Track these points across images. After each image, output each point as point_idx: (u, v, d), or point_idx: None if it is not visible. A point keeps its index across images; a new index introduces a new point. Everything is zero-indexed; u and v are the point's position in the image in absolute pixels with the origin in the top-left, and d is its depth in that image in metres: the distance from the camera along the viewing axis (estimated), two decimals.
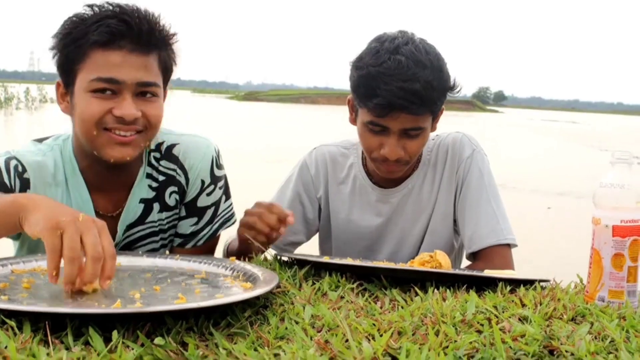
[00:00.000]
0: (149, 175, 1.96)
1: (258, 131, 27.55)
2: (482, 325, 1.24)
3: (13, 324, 1.11)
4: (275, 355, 1.06)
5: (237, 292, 1.39)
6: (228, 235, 2.17)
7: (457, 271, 1.78)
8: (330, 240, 2.36)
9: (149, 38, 1.75)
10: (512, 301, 1.43)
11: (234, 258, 1.68)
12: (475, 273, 1.72)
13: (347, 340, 1.11)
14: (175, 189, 1.98)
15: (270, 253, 1.95)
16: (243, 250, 1.93)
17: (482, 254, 2.13)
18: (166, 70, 1.83)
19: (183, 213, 2.02)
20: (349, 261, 1.75)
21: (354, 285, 1.53)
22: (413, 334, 1.18)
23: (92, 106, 1.72)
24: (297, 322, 1.24)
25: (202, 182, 1.99)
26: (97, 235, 1.31)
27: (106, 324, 1.14)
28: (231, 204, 2.09)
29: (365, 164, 2.28)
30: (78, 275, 1.30)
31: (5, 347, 1.01)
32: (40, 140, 1.93)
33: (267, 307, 1.34)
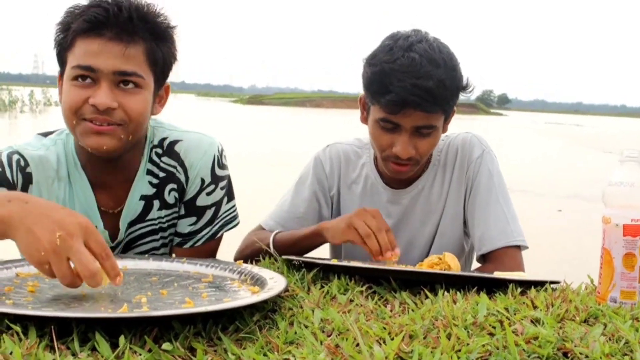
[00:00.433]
0: (149, 172, 1.94)
1: (263, 135, 27.55)
2: (494, 327, 1.22)
3: (18, 329, 1.10)
4: None
5: (245, 296, 1.38)
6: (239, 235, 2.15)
7: (467, 273, 1.76)
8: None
9: (131, 27, 1.73)
10: (524, 303, 1.42)
11: (241, 262, 1.67)
12: (484, 275, 1.71)
13: (357, 345, 1.09)
14: (175, 186, 1.95)
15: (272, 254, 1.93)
16: (309, 246, 2.04)
17: (492, 255, 2.11)
18: (156, 62, 1.79)
19: (182, 212, 1.99)
20: (357, 263, 1.74)
21: (363, 288, 1.52)
22: (424, 338, 1.16)
23: (71, 95, 1.73)
24: (306, 326, 1.22)
25: (202, 180, 1.96)
26: (81, 250, 1.25)
27: (113, 328, 1.13)
28: (234, 205, 2.05)
29: (377, 163, 2.26)
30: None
31: (11, 353, 1.00)
32: (44, 135, 1.94)
33: (276, 311, 1.32)
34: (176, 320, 1.17)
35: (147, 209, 1.94)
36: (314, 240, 2.06)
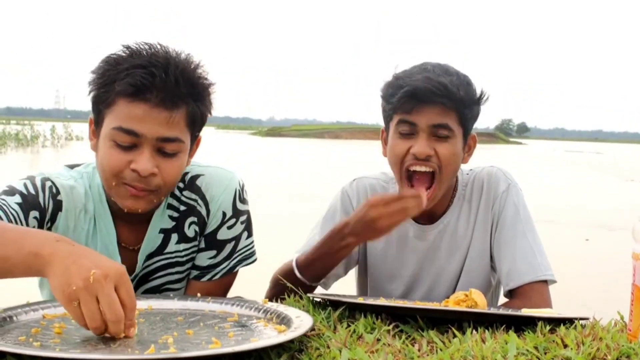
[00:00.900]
0: (170, 206, 1.94)
1: (282, 167, 27.62)
2: None
3: None
4: None
5: (272, 335, 1.37)
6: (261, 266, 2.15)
7: (494, 311, 1.74)
8: (365, 275, 2.34)
9: (176, 92, 1.71)
10: (553, 341, 1.39)
11: (266, 300, 1.66)
12: (513, 312, 1.69)
13: None
14: (195, 219, 1.95)
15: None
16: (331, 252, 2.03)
17: (519, 291, 2.09)
18: (195, 123, 1.79)
19: (202, 245, 1.99)
20: (383, 302, 1.72)
21: (390, 327, 1.50)
22: None
23: (112, 158, 1.73)
24: None
25: (224, 214, 1.96)
26: (111, 293, 1.27)
27: None
28: (252, 242, 2.05)
29: None
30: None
31: None
32: (71, 167, 1.95)
33: (303, 351, 1.31)
34: None
35: (165, 242, 1.95)
36: (335, 242, 2.03)
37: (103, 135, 1.75)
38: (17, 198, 1.75)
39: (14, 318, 1.46)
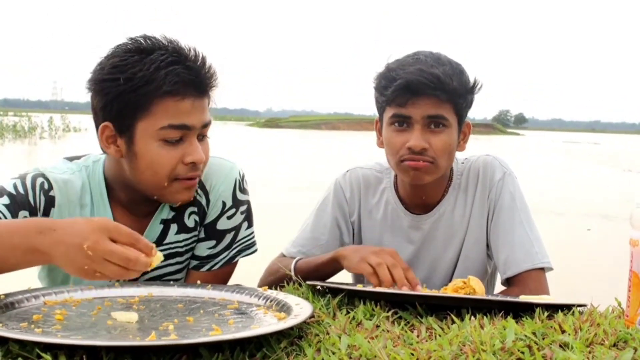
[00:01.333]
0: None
1: (280, 158, 27.60)
2: (522, 353, 1.22)
3: (49, 358, 1.10)
4: None
5: (272, 323, 1.38)
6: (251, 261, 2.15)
7: (493, 297, 1.75)
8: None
9: (207, 83, 1.78)
10: (551, 327, 1.40)
11: (266, 287, 1.67)
12: (511, 299, 1.70)
13: None
14: (195, 209, 1.96)
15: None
16: (329, 273, 2.04)
17: (517, 278, 2.10)
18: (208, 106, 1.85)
19: (202, 235, 1.99)
20: (382, 289, 1.73)
21: (389, 314, 1.51)
22: None
23: (165, 157, 1.74)
24: (333, 353, 1.22)
25: (224, 204, 1.96)
26: (112, 248, 1.38)
27: (141, 356, 1.13)
28: (253, 232, 2.05)
29: (398, 188, 2.26)
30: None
31: None
32: (71, 159, 1.94)
33: (302, 338, 1.32)
34: (204, 347, 1.17)
35: (164, 232, 1.95)
36: (333, 266, 2.04)
37: (144, 138, 1.73)
38: (5, 199, 1.75)
39: (16, 305, 1.47)
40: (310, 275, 2.00)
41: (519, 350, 1.22)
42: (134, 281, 1.71)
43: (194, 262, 2.01)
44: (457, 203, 2.23)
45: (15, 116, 56.11)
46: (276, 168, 21.00)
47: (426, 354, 1.20)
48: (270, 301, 1.56)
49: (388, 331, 1.38)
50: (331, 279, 2.05)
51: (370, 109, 2.17)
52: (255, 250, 2.05)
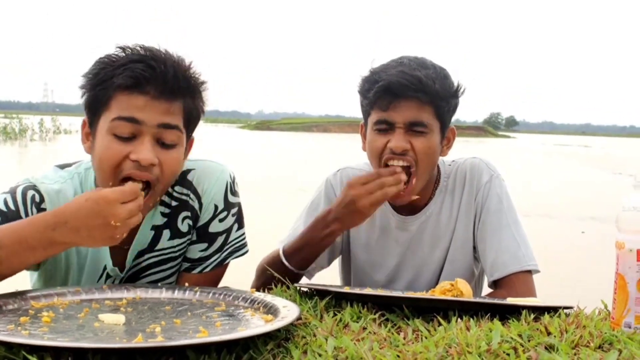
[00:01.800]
0: (161, 202, 1.94)
1: (271, 160, 27.58)
2: (508, 354, 1.22)
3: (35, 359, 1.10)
4: None
5: (259, 325, 1.38)
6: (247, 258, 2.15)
7: (479, 299, 1.76)
8: (349, 266, 2.35)
9: (174, 85, 1.74)
10: (537, 329, 1.41)
11: (253, 290, 1.67)
12: (498, 301, 1.70)
13: None
14: (188, 214, 1.96)
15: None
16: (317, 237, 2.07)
17: (504, 281, 2.11)
18: (190, 118, 1.82)
19: (194, 237, 1.99)
20: (369, 291, 1.74)
21: (376, 316, 1.51)
22: None
23: (110, 150, 1.72)
24: (320, 355, 1.22)
25: (216, 207, 1.96)
26: (120, 211, 1.56)
27: (128, 358, 1.13)
28: (244, 234, 2.05)
29: None
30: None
31: None
32: (62, 167, 1.93)
33: (289, 340, 1.33)
34: (191, 349, 1.18)
35: (156, 238, 1.94)
36: (320, 230, 2.06)
37: (100, 132, 1.75)
38: None
39: (3, 307, 1.47)
40: (303, 250, 2.08)
41: (504, 352, 1.23)
42: (121, 284, 1.71)
43: (186, 265, 2.01)
44: (444, 205, 2.23)
45: (6, 118, 55.89)
46: (267, 170, 20.98)
47: (412, 356, 1.20)
48: (258, 303, 1.56)
49: (375, 333, 1.38)
50: (319, 282, 2.06)
51: (361, 111, 2.18)
52: (247, 252, 2.05)
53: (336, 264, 2.44)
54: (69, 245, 1.61)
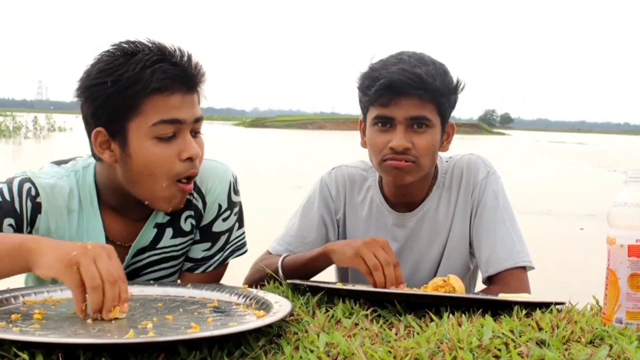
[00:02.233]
0: None
1: (266, 157, 27.56)
2: (499, 350, 1.23)
3: (26, 357, 1.10)
4: None
5: (251, 321, 1.38)
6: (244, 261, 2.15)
7: (471, 295, 1.76)
8: None
9: (194, 78, 1.77)
10: (529, 325, 1.41)
11: (246, 286, 1.67)
12: (490, 297, 1.71)
13: None
14: (192, 213, 1.95)
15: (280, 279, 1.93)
16: (318, 268, 2.03)
17: (499, 277, 2.11)
18: (199, 104, 1.85)
19: (197, 237, 1.99)
20: (362, 287, 1.74)
21: (368, 312, 1.52)
22: None
23: (159, 154, 1.73)
24: (311, 351, 1.23)
25: (219, 206, 1.96)
26: (109, 259, 1.41)
27: (119, 354, 1.13)
28: (244, 233, 2.05)
29: (382, 186, 2.27)
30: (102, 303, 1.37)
31: None
32: (58, 163, 1.92)
33: (281, 336, 1.33)
34: (182, 345, 1.18)
35: (158, 236, 1.94)
36: (322, 262, 2.04)
37: (136, 138, 1.72)
38: None
39: None
40: (300, 272, 2.01)
41: (495, 348, 1.23)
42: None
43: (188, 265, 2.01)
44: (441, 201, 2.24)
45: (0, 116, 55.81)
46: (262, 167, 20.97)
47: (404, 352, 1.20)
48: (250, 299, 1.56)
49: (366, 329, 1.39)
50: (312, 278, 2.06)
51: (356, 108, 2.18)
52: (246, 251, 2.06)
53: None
54: (30, 252, 1.47)
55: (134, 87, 1.68)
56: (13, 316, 1.38)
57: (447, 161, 2.27)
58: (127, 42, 1.76)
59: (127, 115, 1.71)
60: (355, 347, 1.20)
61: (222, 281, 1.83)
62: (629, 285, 1.42)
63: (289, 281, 1.82)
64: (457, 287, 1.77)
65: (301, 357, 1.19)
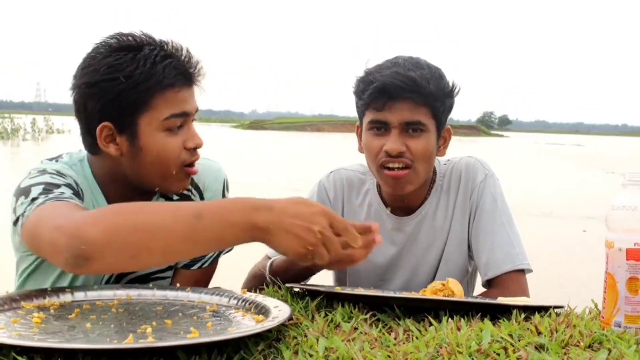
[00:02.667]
0: (163, 196, 1.96)
1: (265, 160, 27.55)
2: (498, 354, 1.22)
3: None
4: None
5: (250, 325, 1.38)
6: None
7: (470, 299, 1.76)
8: (344, 268, 2.35)
9: (195, 72, 1.83)
10: (528, 329, 1.41)
11: (245, 290, 1.67)
12: (488, 301, 1.71)
13: None
14: None
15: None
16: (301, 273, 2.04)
17: (497, 280, 2.11)
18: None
19: None
20: (361, 291, 1.74)
21: (367, 316, 1.52)
22: None
23: (170, 144, 1.78)
24: (311, 355, 1.22)
25: None
26: (334, 239, 1.43)
27: (119, 359, 1.13)
28: None
29: (380, 190, 2.27)
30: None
31: None
32: (52, 160, 1.91)
33: (280, 340, 1.33)
34: (181, 350, 1.18)
35: None
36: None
37: (147, 132, 1.76)
38: (64, 189, 1.71)
39: None
40: (288, 275, 2.01)
41: (494, 352, 1.23)
42: (112, 285, 1.71)
43: (184, 261, 2.02)
44: (440, 205, 2.24)
45: None
46: (261, 169, 20.96)
47: (403, 356, 1.20)
48: (249, 304, 1.56)
49: (366, 333, 1.38)
50: (310, 282, 2.06)
51: (354, 110, 2.18)
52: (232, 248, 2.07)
53: None
54: (262, 235, 1.42)
55: (146, 82, 1.73)
56: (12, 320, 1.37)
57: (445, 164, 2.27)
58: (124, 34, 1.79)
59: (138, 110, 1.75)
60: (355, 351, 1.20)
61: (221, 285, 1.82)
62: (628, 289, 1.42)
63: (288, 285, 1.82)
64: (456, 291, 1.77)
65: None
